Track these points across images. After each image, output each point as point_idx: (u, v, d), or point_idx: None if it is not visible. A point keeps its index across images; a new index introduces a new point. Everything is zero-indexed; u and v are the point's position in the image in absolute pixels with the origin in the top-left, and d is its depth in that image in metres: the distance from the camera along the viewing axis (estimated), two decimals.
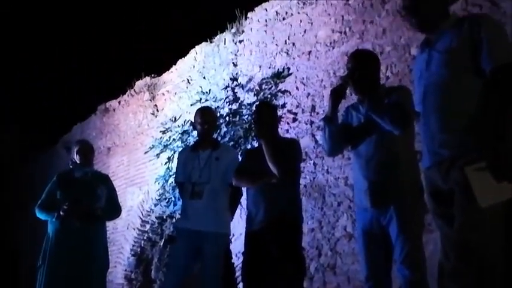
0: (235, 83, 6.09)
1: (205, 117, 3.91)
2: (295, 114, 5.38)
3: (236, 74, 6.19)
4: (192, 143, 5.11)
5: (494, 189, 1.89)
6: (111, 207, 4.39)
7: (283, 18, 5.95)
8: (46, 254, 4.14)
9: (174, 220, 6.31)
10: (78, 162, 4.41)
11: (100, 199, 4.28)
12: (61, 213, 4.11)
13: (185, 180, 3.84)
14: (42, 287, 4.03)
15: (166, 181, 6.24)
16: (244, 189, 4.63)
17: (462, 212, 1.99)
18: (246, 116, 5.73)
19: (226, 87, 6.15)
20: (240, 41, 6.44)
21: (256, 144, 5.35)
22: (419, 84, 2.26)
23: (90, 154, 4.54)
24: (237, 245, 5.53)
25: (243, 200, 5.12)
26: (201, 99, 6.23)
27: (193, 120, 4.17)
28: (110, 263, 4.56)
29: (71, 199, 4.17)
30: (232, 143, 5.68)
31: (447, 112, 2.11)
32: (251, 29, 6.37)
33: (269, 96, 5.61)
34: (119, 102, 8.65)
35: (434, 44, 2.22)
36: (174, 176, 4.18)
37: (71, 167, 4.52)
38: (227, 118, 5.92)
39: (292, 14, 5.85)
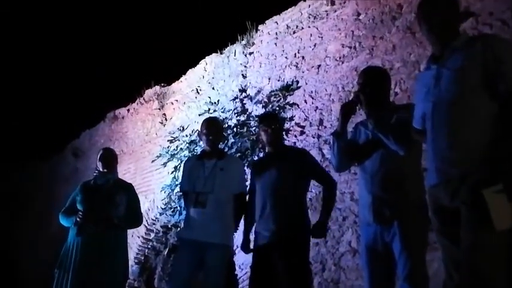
0: (244, 94, 6.13)
1: (211, 128, 3.93)
2: (303, 127, 5.39)
3: (245, 85, 6.22)
4: (199, 152, 5.14)
5: (510, 213, 1.89)
6: (130, 216, 4.30)
7: (294, 32, 5.98)
8: (63, 260, 4.13)
9: (179, 229, 6.32)
10: (100, 169, 4.42)
11: (118, 207, 4.25)
12: (77, 219, 4.12)
13: (190, 189, 3.85)
14: None
15: (173, 190, 6.26)
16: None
17: (471, 233, 1.98)
18: (254, 128, 5.75)
19: (235, 98, 6.19)
20: (250, 53, 6.48)
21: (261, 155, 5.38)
22: (427, 100, 2.26)
23: (112, 161, 4.51)
24: (241, 257, 5.52)
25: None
26: (209, 109, 6.27)
27: (199, 131, 4.19)
28: (128, 273, 4.47)
29: (88, 205, 4.18)
30: (239, 154, 5.69)
31: (457, 130, 2.11)
32: (261, 41, 6.40)
33: (277, 108, 5.64)
34: (128, 110, 8.70)
35: (445, 61, 2.22)
36: (180, 185, 4.19)
37: (94, 174, 4.52)
38: (235, 129, 5.94)
39: (302, 28, 5.88)
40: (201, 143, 5.16)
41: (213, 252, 3.61)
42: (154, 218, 7.15)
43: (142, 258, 7.34)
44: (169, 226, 6.94)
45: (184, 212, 4.76)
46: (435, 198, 2.18)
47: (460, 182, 2.06)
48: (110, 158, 4.49)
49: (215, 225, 3.63)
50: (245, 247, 3.77)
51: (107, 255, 4.06)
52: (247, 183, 4.07)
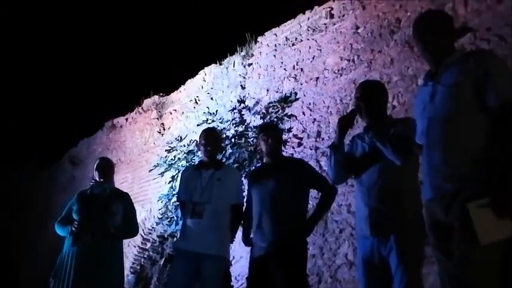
0: (242, 105, 6.16)
1: (209, 139, 3.95)
2: (301, 139, 5.41)
3: (244, 96, 6.25)
4: (197, 162, 5.15)
5: (495, 227, 1.90)
6: (127, 226, 4.28)
7: (293, 44, 6.02)
8: (58, 269, 4.12)
9: (175, 239, 6.31)
10: (97, 178, 4.41)
11: (115, 216, 4.24)
12: (73, 229, 4.11)
13: (187, 199, 3.85)
14: None
15: (170, 200, 6.25)
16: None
17: (461, 247, 1.99)
18: (252, 139, 5.76)
19: (234, 109, 6.21)
20: (249, 64, 6.51)
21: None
22: (423, 117, 2.28)
23: (109, 171, 4.50)
24: (237, 268, 5.51)
25: None
26: (207, 119, 6.28)
27: (198, 141, 4.21)
28: (124, 283, 4.42)
29: (84, 215, 4.17)
30: (237, 164, 5.70)
31: (451, 146, 2.13)
32: (260, 52, 6.44)
33: (275, 119, 5.66)
34: (126, 119, 8.71)
35: (439, 77, 2.25)
36: (177, 194, 4.19)
37: (91, 183, 4.52)
38: (233, 140, 5.95)
39: (301, 40, 5.92)
40: (199, 153, 5.18)
41: (209, 263, 3.60)
42: (150, 228, 7.14)
43: (138, 267, 7.32)
44: (166, 236, 6.93)
45: (180, 222, 4.76)
46: (431, 212, 2.20)
47: (452, 197, 2.07)
48: (106, 168, 4.49)
49: (211, 236, 3.63)
50: (246, 242, 3.74)
51: (102, 265, 4.05)
52: (245, 193, 4.08)
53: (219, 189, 3.74)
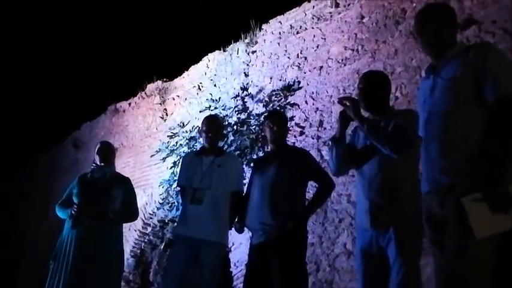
0: (245, 92, 6.16)
1: (211, 126, 3.97)
2: (303, 128, 5.41)
3: (247, 84, 6.25)
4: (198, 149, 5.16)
5: (490, 221, 1.91)
6: (126, 210, 4.31)
7: (297, 32, 6.00)
8: (58, 252, 4.16)
9: (175, 224, 6.35)
10: (98, 162, 4.44)
11: (114, 201, 4.27)
12: (72, 212, 4.14)
13: (187, 185, 3.88)
14: (54, 285, 4.02)
15: (171, 185, 6.29)
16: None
17: (454, 240, 2.01)
18: (254, 127, 5.78)
19: (236, 96, 6.21)
20: (253, 52, 6.50)
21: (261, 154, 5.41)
22: (423, 110, 2.29)
23: (110, 155, 4.52)
24: (236, 254, 5.55)
25: None
26: (210, 106, 6.29)
27: (200, 128, 4.24)
28: (123, 266, 4.46)
29: (83, 198, 4.21)
30: (238, 152, 5.72)
31: (448, 140, 2.14)
32: (264, 40, 6.42)
33: (278, 108, 5.65)
34: (129, 104, 8.72)
35: (440, 71, 2.25)
36: (177, 180, 4.20)
37: (92, 167, 4.54)
38: (235, 127, 5.97)
39: (306, 29, 5.90)
40: (201, 139, 5.21)
41: (207, 249, 3.63)
42: (151, 213, 7.18)
43: (139, 251, 7.37)
44: (166, 221, 6.97)
45: (181, 208, 4.79)
46: (428, 206, 2.22)
47: (448, 190, 2.08)
48: (107, 152, 4.51)
49: (211, 222, 3.65)
50: (240, 227, 3.76)
51: (101, 249, 4.08)
52: (245, 181, 4.10)
53: (220, 176, 3.76)
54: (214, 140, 3.99)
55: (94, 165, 4.49)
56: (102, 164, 4.40)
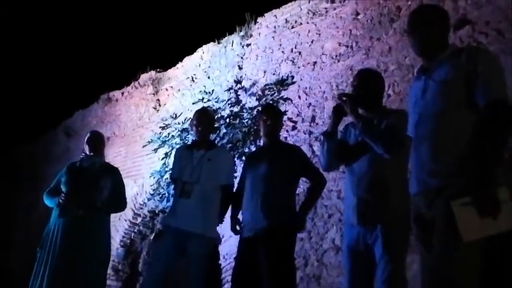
0: (238, 85, 6.15)
1: (202, 119, 3.99)
2: (295, 122, 5.43)
3: (240, 77, 6.25)
4: (190, 141, 5.17)
5: (478, 225, 1.92)
6: (114, 200, 4.33)
7: (292, 27, 6.00)
8: (45, 240, 4.16)
9: (165, 215, 6.35)
10: (87, 152, 4.43)
11: (102, 190, 4.27)
12: (60, 201, 4.14)
13: (178, 177, 3.91)
14: (40, 273, 4.03)
15: (162, 177, 6.28)
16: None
17: (441, 242, 2.03)
18: (247, 120, 5.78)
19: (230, 89, 6.21)
20: (248, 45, 6.49)
21: (253, 148, 5.42)
22: (414, 112, 2.30)
23: (99, 145, 4.52)
24: (226, 247, 5.58)
25: None
26: (203, 98, 6.28)
27: (191, 121, 4.25)
28: (110, 255, 4.46)
29: (71, 187, 4.20)
30: (230, 145, 5.73)
31: (439, 142, 2.15)
32: (259, 33, 6.42)
33: (271, 102, 5.66)
34: (122, 93, 8.68)
35: (431, 73, 2.26)
36: (169, 172, 4.22)
37: (81, 156, 4.54)
38: (227, 120, 5.97)
39: (301, 23, 5.90)
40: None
41: (194, 242, 3.64)
42: (142, 203, 7.18)
43: (128, 241, 7.38)
44: (157, 212, 6.98)
45: (172, 199, 4.81)
46: (416, 206, 2.24)
47: (437, 193, 2.10)
48: (97, 142, 4.51)
49: (199, 216, 3.67)
50: (234, 229, 3.77)
51: (88, 238, 4.09)
52: (236, 174, 4.11)
53: (209, 170, 3.78)
54: (205, 134, 4.00)
55: (83, 154, 4.49)
56: (92, 153, 4.40)
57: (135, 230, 7.38)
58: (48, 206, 4.37)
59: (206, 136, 4.05)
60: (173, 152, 5.42)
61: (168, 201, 5.97)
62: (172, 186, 4.65)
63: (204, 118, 4.03)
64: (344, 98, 2.93)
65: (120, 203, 4.44)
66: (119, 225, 7.34)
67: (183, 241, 3.67)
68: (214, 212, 3.81)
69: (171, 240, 3.72)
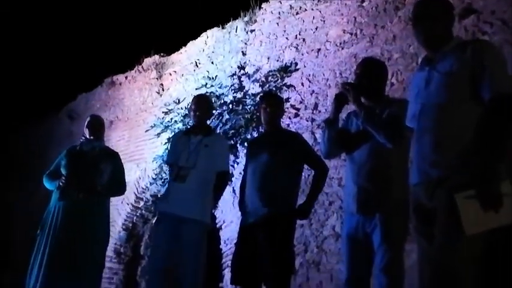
0: (242, 71, 6.15)
1: (200, 104, 4.02)
2: (298, 109, 5.43)
3: (244, 63, 6.23)
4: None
5: (480, 218, 1.94)
6: (113, 184, 4.36)
7: (297, 13, 5.97)
8: (45, 224, 4.20)
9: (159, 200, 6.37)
10: (87, 136, 4.46)
11: (102, 174, 4.30)
12: (60, 184, 4.17)
13: (174, 163, 3.92)
14: (39, 255, 4.07)
15: (164, 161, 6.31)
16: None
17: (443, 233, 2.04)
18: (250, 106, 5.79)
19: (233, 74, 6.20)
20: (252, 31, 6.47)
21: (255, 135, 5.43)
22: (416, 102, 2.30)
23: (99, 129, 4.55)
24: (227, 232, 5.62)
25: (237, 188, 5.19)
26: (206, 84, 6.29)
27: (189, 106, 4.26)
28: (109, 239, 4.50)
29: (71, 171, 4.23)
30: (233, 131, 5.75)
31: (442, 134, 2.15)
32: (264, 19, 6.39)
33: (274, 89, 5.66)
34: (126, 77, 8.68)
35: (436, 64, 2.26)
36: (166, 157, 4.22)
37: (81, 140, 4.57)
38: (230, 106, 5.98)
39: (305, 10, 5.87)
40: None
41: (189, 227, 3.66)
42: (144, 187, 7.21)
43: (131, 225, 7.43)
44: (159, 196, 7.01)
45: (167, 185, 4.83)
46: (416, 197, 2.25)
47: (438, 184, 2.11)
48: (97, 126, 4.53)
49: (193, 201, 3.68)
50: (241, 210, 3.78)
51: (88, 222, 4.12)
52: (239, 160, 4.11)
53: (206, 155, 3.80)
54: (203, 119, 4.03)
55: (83, 138, 4.52)
56: (92, 137, 4.43)
57: (137, 214, 7.42)
58: (48, 189, 4.41)
59: (204, 121, 4.07)
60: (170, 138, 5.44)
61: None
62: None
63: (203, 103, 4.06)
64: (347, 87, 2.94)
65: (120, 187, 4.48)
66: (121, 208, 7.39)
67: (178, 227, 3.68)
68: (209, 198, 3.83)
69: (167, 226, 3.74)
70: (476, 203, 1.93)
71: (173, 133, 6.13)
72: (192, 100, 4.12)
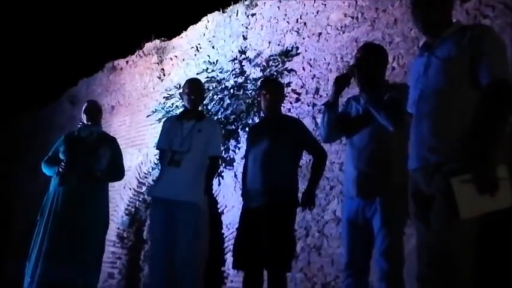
0: (243, 56, 6.12)
1: (193, 87, 4.02)
2: (299, 94, 5.42)
3: (245, 47, 6.20)
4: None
5: (476, 202, 1.94)
6: (112, 169, 4.39)
7: None
8: (44, 209, 4.23)
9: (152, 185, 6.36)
10: (85, 122, 4.48)
11: (100, 159, 4.33)
12: (60, 169, 4.19)
13: (166, 148, 3.92)
14: (38, 241, 4.11)
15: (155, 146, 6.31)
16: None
17: (440, 219, 2.06)
18: (251, 91, 5.78)
19: (234, 59, 6.18)
20: (253, 15, 6.42)
21: (257, 120, 5.43)
22: (416, 87, 2.30)
23: (97, 114, 4.58)
24: (229, 217, 5.65)
25: (239, 173, 5.21)
26: (207, 68, 6.27)
27: (182, 90, 4.25)
28: (108, 224, 4.55)
29: (70, 157, 4.25)
30: (234, 116, 5.75)
31: (440, 119, 2.16)
32: (264, 3, 6.34)
33: (275, 73, 5.64)
34: (127, 62, 8.66)
35: (435, 49, 2.25)
36: (157, 143, 4.20)
37: (79, 126, 4.58)
38: (231, 91, 5.96)
39: None
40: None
41: (183, 210, 3.67)
42: (146, 172, 7.24)
43: (133, 210, 7.48)
44: (154, 180, 7.04)
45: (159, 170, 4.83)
46: (414, 182, 2.26)
47: (436, 169, 2.12)
48: (94, 111, 4.55)
49: (187, 184, 3.69)
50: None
51: (87, 207, 4.16)
52: (241, 145, 4.11)
53: (199, 140, 3.82)
54: (197, 103, 4.03)
55: (81, 123, 4.54)
56: (89, 123, 4.45)
57: (140, 199, 7.46)
58: (47, 175, 4.43)
59: (197, 105, 4.07)
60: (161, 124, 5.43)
61: None
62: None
63: (197, 87, 4.06)
64: (354, 69, 2.94)
65: (118, 172, 4.52)
66: (124, 193, 7.43)
67: (172, 211, 3.70)
68: (202, 182, 3.83)
69: (161, 212, 3.76)
70: (472, 187, 1.94)
71: None
72: (185, 84, 4.10)
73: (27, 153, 9.74)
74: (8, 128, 11.07)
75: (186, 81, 4.18)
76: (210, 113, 5.96)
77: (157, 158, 4.77)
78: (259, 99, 5.32)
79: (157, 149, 4.18)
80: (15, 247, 8.37)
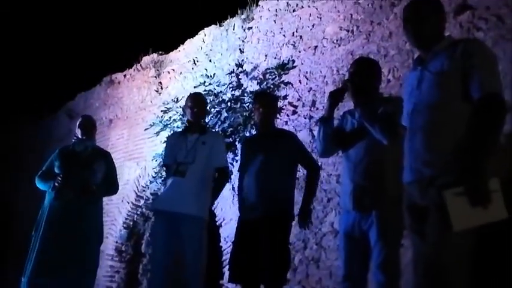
0: (240, 69, 6.16)
1: (196, 101, 4.06)
2: (296, 107, 5.45)
3: (242, 60, 6.25)
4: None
5: (469, 215, 1.96)
6: (107, 184, 4.44)
7: (294, 10, 5.98)
8: (40, 224, 4.24)
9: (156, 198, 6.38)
10: (79, 136, 4.51)
11: (95, 174, 4.36)
12: (55, 184, 4.21)
13: (171, 162, 3.94)
14: (34, 256, 4.12)
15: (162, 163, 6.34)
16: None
17: (434, 231, 2.08)
18: (248, 104, 5.81)
19: (231, 72, 6.22)
20: (249, 28, 6.48)
21: (254, 132, 5.45)
22: (409, 101, 2.34)
23: (91, 129, 4.62)
24: (227, 229, 5.65)
25: (237, 186, 5.22)
26: (205, 82, 6.31)
27: (184, 104, 4.29)
28: (103, 238, 4.56)
29: (65, 171, 4.27)
30: (231, 129, 5.77)
31: (433, 133, 2.18)
32: (261, 17, 6.40)
33: (272, 86, 5.68)
34: (125, 76, 8.70)
35: (427, 64, 2.29)
36: (162, 159, 4.25)
37: (73, 140, 4.61)
38: (229, 104, 6.00)
39: (302, 7, 5.88)
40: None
41: (187, 223, 3.69)
42: (144, 185, 7.25)
43: (131, 223, 7.47)
44: (159, 194, 7.05)
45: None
46: (409, 195, 2.28)
47: (430, 182, 2.14)
48: (89, 126, 4.60)
49: (191, 196, 3.71)
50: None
51: (82, 221, 4.17)
52: (238, 158, 4.13)
53: (204, 152, 3.85)
54: (200, 116, 4.07)
55: (75, 138, 4.57)
56: (84, 137, 4.48)
57: (138, 212, 7.46)
58: (41, 189, 4.45)
59: (200, 119, 4.11)
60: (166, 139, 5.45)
61: None
62: None
63: (199, 101, 4.11)
64: (348, 84, 2.97)
65: (113, 187, 4.58)
66: (122, 207, 7.43)
67: (176, 224, 3.71)
68: (207, 194, 3.86)
69: (165, 225, 3.77)
70: (465, 200, 1.96)
71: (172, 131, 6.17)
72: (188, 97, 4.14)
73: (25, 164, 9.74)
74: (7, 141, 11.07)
75: (189, 95, 4.23)
76: (208, 126, 5.98)
77: (163, 172, 4.78)
78: (253, 115, 5.37)
79: (163, 165, 4.21)
80: (15, 247, 8.35)
